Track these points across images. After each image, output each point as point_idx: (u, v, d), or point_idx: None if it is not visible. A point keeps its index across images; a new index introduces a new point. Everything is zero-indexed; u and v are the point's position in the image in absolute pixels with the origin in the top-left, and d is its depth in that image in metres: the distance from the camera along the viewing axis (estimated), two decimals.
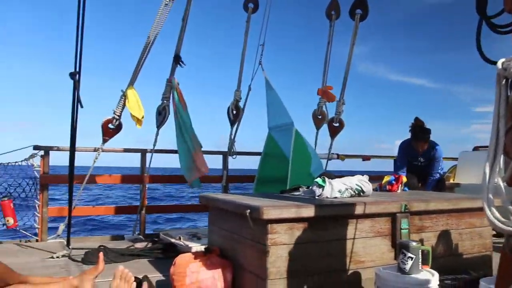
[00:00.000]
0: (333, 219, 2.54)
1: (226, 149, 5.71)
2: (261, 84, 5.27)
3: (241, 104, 5.69)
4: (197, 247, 3.64)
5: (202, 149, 4.93)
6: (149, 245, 4.23)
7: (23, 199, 5.02)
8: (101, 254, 2.82)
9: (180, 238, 4.11)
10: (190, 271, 2.63)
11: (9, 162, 4.84)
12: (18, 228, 4.85)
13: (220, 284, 2.60)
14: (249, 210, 2.39)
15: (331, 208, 2.56)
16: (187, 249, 3.55)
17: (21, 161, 4.93)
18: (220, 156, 5.78)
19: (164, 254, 3.91)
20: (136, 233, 5.17)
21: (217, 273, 2.61)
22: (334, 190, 2.89)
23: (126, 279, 1.96)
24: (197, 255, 2.77)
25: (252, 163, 6.11)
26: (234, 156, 5.79)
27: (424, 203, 2.84)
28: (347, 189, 2.97)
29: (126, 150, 5.30)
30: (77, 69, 3.59)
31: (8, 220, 4.59)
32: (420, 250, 2.29)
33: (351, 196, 2.99)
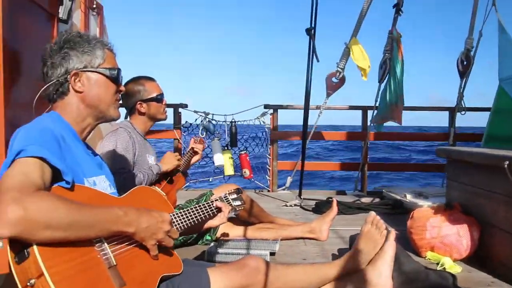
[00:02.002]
0: None
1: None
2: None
3: (472, 53, 5.05)
4: (427, 204, 3.45)
5: (422, 105, 4.63)
6: (375, 200, 4.21)
7: (256, 153, 5.58)
8: (335, 200, 2.92)
9: (405, 196, 3.97)
10: (431, 225, 2.48)
11: (245, 120, 5.40)
12: (253, 179, 5.43)
13: (465, 241, 2.39)
14: (507, 162, 2.08)
15: None
16: (415, 207, 3.40)
17: (254, 119, 5.45)
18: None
19: (390, 210, 3.84)
20: (358, 189, 5.21)
21: (463, 230, 2.40)
22: None
23: (377, 225, 1.95)
24: (437, 209, 2.60)
25: (481, 120, 5.43)
26: (463, 112, 5.25)
27: None
28: None
29: (351, 107, 5.33)
30: (313, 25, 3.72)
31: (245, 172, 5.16)
32: None
33: None
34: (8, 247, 1.12)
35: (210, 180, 5.58)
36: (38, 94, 1.44)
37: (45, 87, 1.44)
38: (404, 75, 4.70)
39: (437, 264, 2.38)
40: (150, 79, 2.62)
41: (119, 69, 1.52)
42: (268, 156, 5.37)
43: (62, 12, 2.00)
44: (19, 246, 1.10)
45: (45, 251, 1.09)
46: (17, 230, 1.04)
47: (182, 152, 5.08)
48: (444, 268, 2.28)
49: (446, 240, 2.42)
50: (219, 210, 1.79)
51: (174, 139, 5.20)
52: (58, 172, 1.22)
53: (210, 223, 1.80)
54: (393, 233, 1.94)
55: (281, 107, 5.22)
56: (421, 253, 2.53)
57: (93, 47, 1.46)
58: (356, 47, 4.33)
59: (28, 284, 1.08)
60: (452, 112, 5.21)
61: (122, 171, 2.24)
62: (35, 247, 1.08)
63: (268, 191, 5.28)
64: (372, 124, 5.09)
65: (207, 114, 5.16)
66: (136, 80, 2.57)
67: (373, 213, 2.00)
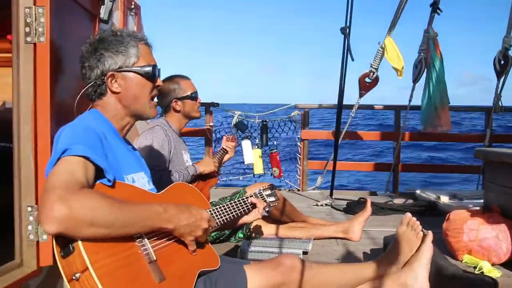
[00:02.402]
0: None
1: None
2: None
3: (511, 52, 4.90)
4: (463, 207, 3.37)
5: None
6: (408, 201, 4.14)
7: (286, 152, 5.58)
8: (369, 200, 2.89)
9: (439, 198, 3.89)
10: (468, 228, 2.42)
11: (275, 119, 5.41)
12: (283, 178, 5.44)
13: (505, 245, 2.32)
14: None
15: None
16: (450, 209, 3.32)
17: (284, 118, 5.46)
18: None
19: (423, 212, 3.76)
20: (389, 190, 5.14)
21: (502, 233, 2.33)
22: None
23: (413, 227, 1.92)
24: (474, 212, 2.53)
25: None
26: (501, 113, 5.09)
27: None
28: None
29: (385, 107, 5.26)
30: (348, 24, 3.70)
31: (275, 170, 5.18)
32: None
33: None
34: (54, 242, 1.16)
35: (240, 178, 5.62)
36: (79, 96, 1.48)
37: (84, 89, 1.47)
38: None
39: (474, 268, 2.32)
40: (185, 77, 2.66)
41: (154, 65, 1.51)
42: (298, 156, 5.35)
43: (103, 12, 2.05)
44: (65, 241, 1.14)
45: (90, 246, 1.12)
46: (62, 227, 1.07)
47: (213, 150, 5.13)
48: (482, 272, 2.22)
49: (484, 243, 2.36)
50: (253, 206, 1.80)
51: (205, 137, 5.25)
52: (100, 170, 1.25)
53: (245, 219, 1.82)
54: (430, 234, 1.91)
55: (312, 106, 5.21)
56: (458, 256, 2.47)
57: (127, 45, 1.46)
58: (391, 47, 4.26)
59: (74, 277, 1.12)
60: (488, 112, 5.06)
61: (158, 169, 2.29)
62: (79, 242, 1.12)
63: (298, 190, 5.27)
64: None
65: (238, 113, 5.19)
66: (171, 79, 2.62)
67: (409, 214, 1.97)
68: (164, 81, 2.58)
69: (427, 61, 4.53)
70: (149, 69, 1.49)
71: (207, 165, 2.63)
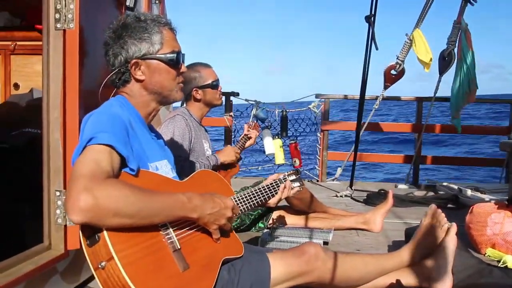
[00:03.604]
0: None
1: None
2: None
3: None
4: (486, 200, 3.32)
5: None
6: (429, 194, 4.10)
7: (306, 143, 5.56)
8: (391, 192, 2.87)
9: (461, 191, 3.84)
10: (492, 221, 2.39)
11: (295, 109, 5.39)
12: (302, 169, 5.42)
13: None
14: None
15: None
16: (471, 202, 3.28)
17: (304, 108, 5.43)
18: None
19: (444, 205, 3.72)
20: (410, 182, 5.09)
21: None
22: None
23: (438, 219, 1.90)
24: (499, 205, 2.50)
25: None
26: None
27: None
28: None
29: (407, 99, 5.18)
30: (373, 12, 3.65)
31: (295, 161, 5.15)
32: None
33: None
34: (80, 231, 1.18)
35: (259, 168, 5.62)
36: (104, 83, 1.48)
37: (109, 76, 1.47)
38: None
39: (498, 261, 2.29)
40: (206, 65, 2.65)
41: (178, 52, 1.49)
42: (318, 146, 5.33)
43: (129, 0, 2.06)
44: (90, 230, 1.16)
45: (115, 236, 1.14)
46: (87, 217, 1.09)
47: (233, 140, 5.14)
48: (506, 266, 2.19)
49: (509, 237, 2.33)
50: (277, 192, 1.76)
51: (225, 127, 5.26)
52: (125, 159, 1.26)
53: (270, 202, 1.76)
54: (454, 226, 1.89)
55: (333, 96, 5.17)
56: (481, 249, 2.44)
57: (151, 32, 1.44)
58: (419, 39, 4.17)
59: (99, 266, 1.13)
60: None
61: (179, 159, 2.29)
62: (105, 231, 1.13)
63: (317, 181, 5.25)
64: (451, 122, 4.90)
65: (258, 102, 5.18)
66: (192, 66, 2.60)
67: (434, 206, 1.95)
68: None
69: (458, 53, 4.41)
70: (173, 56, 1.47)
71: (228, 155, 2.63)
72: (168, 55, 1.47)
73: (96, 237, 1.14)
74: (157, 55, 1.45)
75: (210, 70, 2.64)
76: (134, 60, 1.44)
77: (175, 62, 1.49)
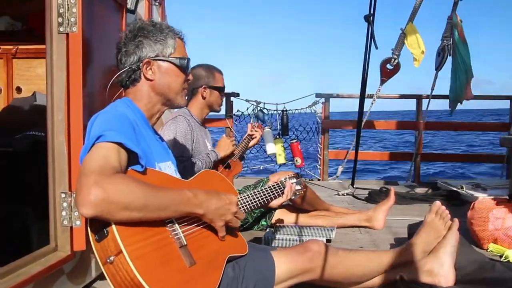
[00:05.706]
0: None
1: None
2: None
3: None
4: (486, 196, 3.34)
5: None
6: (430, 191, 4.12)
7: (307, 142, 5.58)
8: (392, 189, 2.89)
9: (462, 187, 3.86)
10: (494, 217, 2.40)
11: (296, 109, 5.41)
12: (304, 168, 5.43)
13: None
14: None
15: None
16: (473, 199, 3.29)
17: (305, 108, 5.45)
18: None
19: (445, 201, 3.73)
20: (410, 180, 5.10)
21: None
22: None
23: (442, 215, 1.91)
24: (499, 201, 2.51)
25: None
26: None
27: None
28: None
29: (402, 96, 5.20)
30: (371, 11, 3.67)
31: (296, 160, 5.17)
32: None
33: None
34: (89, 227, 1.20)
35: (261, 168, 5.64)
36: (112, 80, 1.51)
37: (118, 73, 1.50)
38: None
39: (500, 256, 2.30)
40: (220, 71, 2.75)
41: (188, 59, 1.56)
42: (319, 145, 5.35)
43: (130, 2, 2.08)
44: (99, 225, 1.18)
45: (123, 230, 1.16)
46: (98, 211, 1.11)
47: (235, 139, 5.16)
48: (508, 261, 2.21)
49: (510, 232, 2.34)
50: (279, 193, 1.81)
51: (226, 127, 5.28)
52: (132, 156, 1.28)
53: (272, 204, 1.83)
54: (456, 222, 1.91)
55: (333, 96, 5.18)
56: (483, 245, 2.45)
57: (165, 36, 1.50)
58: (412, 33, 4.20)
59: (108, 261, 1.15)
60: None
61: (182, 159, 2.32)
62: (113, 226, 1.15)
63: (318, 180, 5.27)
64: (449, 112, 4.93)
65: (258, 102, 5.20)
66: (207, 66, 2.70)
67: (438, 202, 1.96)
68: (200, 65, 2.65)
69: (451, 48, 4.45)
70: (184, 61, 1.53)
71: (225, 147, 2.67)
72: (179, 60, 1.52)
73: (105, 232, 1.16)
74: (169, 58, 1.51)
75: (222, 77, 2.75)
76: (146, 59, 1.48)
77: (185, 67, 1.54)
